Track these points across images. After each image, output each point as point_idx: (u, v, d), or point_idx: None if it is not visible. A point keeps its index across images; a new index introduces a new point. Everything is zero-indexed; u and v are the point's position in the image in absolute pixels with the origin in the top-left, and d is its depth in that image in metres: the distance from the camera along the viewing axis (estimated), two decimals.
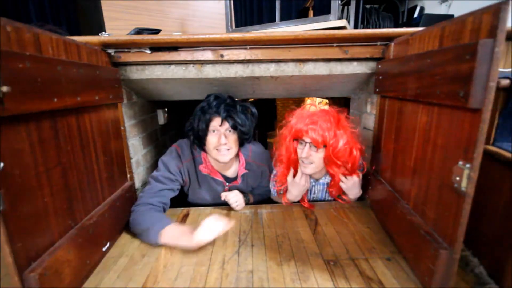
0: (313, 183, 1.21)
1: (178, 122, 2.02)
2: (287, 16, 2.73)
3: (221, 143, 1.07)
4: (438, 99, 0.65)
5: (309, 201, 1.20)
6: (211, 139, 1.09)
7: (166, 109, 1.68)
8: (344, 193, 1.17)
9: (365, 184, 1.16)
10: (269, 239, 0.96)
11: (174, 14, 2.09)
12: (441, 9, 1.86)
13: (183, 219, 1.13)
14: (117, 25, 1.93)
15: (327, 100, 2.59)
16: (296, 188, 1.12)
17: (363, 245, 0.91)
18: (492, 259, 0.75)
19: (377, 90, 1.06)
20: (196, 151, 1.20)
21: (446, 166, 0.64)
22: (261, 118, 1.27)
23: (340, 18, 1.30)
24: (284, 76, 1.12)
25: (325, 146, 1.02)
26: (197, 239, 0.88)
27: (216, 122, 1.08)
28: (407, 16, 2.11)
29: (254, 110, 1.18)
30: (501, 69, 0.99)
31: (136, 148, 1.25)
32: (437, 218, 0.69)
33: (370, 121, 1.21)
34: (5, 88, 0.50)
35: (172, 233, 0.93)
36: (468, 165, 0.56)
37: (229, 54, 1.04)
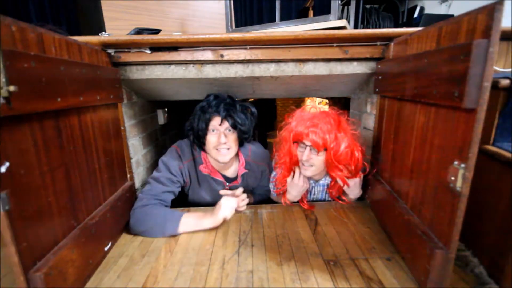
0: (313, 184, 1.21)
1: (178, 122, 2.02)
2: (287, 16, 2.72)
3: (221, 142, 1.07)
4: (434, 99, 0.65)
5: (308, 201, 1.20)
6: (211, 139, 1.09)
7: (166, 109, 1.68)
8: (344, 194, 1.17)
9: (365, 184, 1.16)
10: (269, 239, 0.96)
11: (174, 14, 2.10)
12: (441, 9, 1.86)
13: None
14: (117, 25, 1.94)
15: (327, 100, 2.59)
16: (294, 188, 1.12)
17: (363, 245, 0.91)
18: (492, 259, 0.75)
19: (377, 90, 1.06)
20: (196, 151, 1.20)
21: (442, 166, 0.64)
22: (261, 118, 1.27)
23: (340, 18, 1.30)
24: (284, 76, 1.12)
25: (325, 149, 1.01)
26: (221, 217, 0.99)
27: (215, 121, 1.08)
28: (407, 16, 2.11)
29: (253, 109, 1.18)
30: (501, 69, 1.00)
31: (136, 148, 1.25)
32: (433, 218, 0.69)
33: (370, 121, 1.21)
34: (12, 88, 0.50)
35: (191, 220, 1.00)
36: (463, 165, 0.56)
37: (229, 54, 1.05)
